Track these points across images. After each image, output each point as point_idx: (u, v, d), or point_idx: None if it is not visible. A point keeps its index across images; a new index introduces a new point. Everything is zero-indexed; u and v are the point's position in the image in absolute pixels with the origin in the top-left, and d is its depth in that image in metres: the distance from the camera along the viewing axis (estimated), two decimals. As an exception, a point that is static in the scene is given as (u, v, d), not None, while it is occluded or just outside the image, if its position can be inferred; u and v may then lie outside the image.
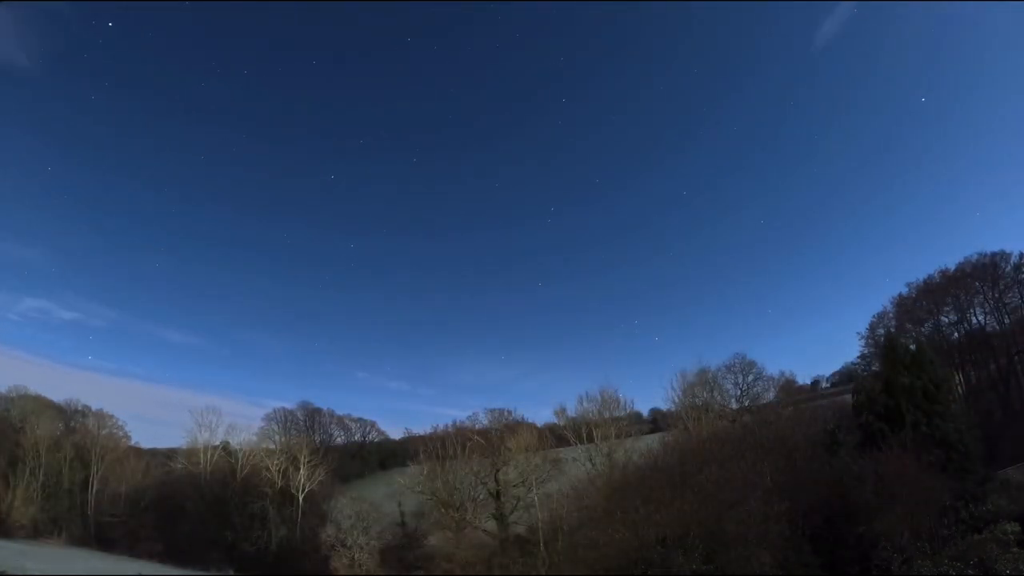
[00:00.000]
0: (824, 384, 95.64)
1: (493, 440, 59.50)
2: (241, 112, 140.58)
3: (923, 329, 59.83)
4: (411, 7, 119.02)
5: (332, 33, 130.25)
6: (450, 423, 66.60)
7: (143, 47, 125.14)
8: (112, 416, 73.31)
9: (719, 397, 57.33)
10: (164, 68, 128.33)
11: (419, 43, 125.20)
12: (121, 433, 72.30)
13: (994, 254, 56.45)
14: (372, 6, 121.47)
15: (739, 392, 58.49)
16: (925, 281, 60.31)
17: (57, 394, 76.09)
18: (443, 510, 54.47)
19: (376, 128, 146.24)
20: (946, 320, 59.82)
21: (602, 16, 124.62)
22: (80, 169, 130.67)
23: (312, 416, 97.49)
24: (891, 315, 62.81)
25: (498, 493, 56.41)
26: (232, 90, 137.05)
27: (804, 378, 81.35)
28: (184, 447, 65.93)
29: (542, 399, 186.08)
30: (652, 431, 76.82)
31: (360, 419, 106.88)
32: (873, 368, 58.25)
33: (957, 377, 57.43)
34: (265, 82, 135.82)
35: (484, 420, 68.84)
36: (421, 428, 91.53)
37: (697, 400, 55.57)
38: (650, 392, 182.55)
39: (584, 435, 57.43)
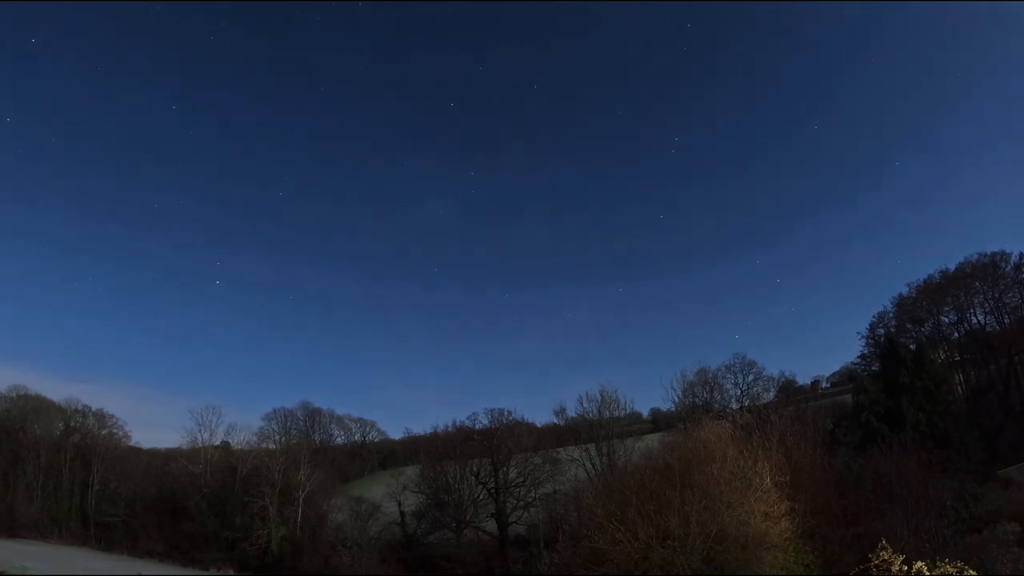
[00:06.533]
0: (824, 384, 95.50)
1: (493, 440, 59.49)
2: (243, 111, 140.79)
3: (923, 329, 59.83)
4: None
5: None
6: (450, 423, 66.70)
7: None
8: (112, 416, 73.28)
9: (719, 397, 57.39)
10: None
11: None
12: (121, 433, 72.22)
13: (994, 254, 56.55)
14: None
15: (739, 392, 58.56)
16: (925, 281, 60.40)
17: (57, 394, 76.04)
18: (443, 510, 54.47)
19: (378, 130, 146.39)
20: (946, 320, 59.84)
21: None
22: (78, 165, 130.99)
23: (312, 416, 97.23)
24: (891, 315, 62.83)
25: (498, 493, 56.41)
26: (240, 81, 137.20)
27: (804, 378, 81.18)
28: (184, 447, 65.85)
29: (542, 399, 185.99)
30: (652, 431, 76.76)
31: (360, 419, 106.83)
32: (873, 368, 58.20)
33: (957, 377, 57.41)
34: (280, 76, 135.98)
35: (484, 420, 68.85)
36: (421, 428, 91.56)
37: (697, 400, 55.57)
38: (650, 392, 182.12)
39: (584, 435, 57.38)
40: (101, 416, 72.09)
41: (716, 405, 55.74)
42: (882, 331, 60.95)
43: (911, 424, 37.98)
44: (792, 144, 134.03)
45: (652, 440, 58.39)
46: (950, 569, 18.43)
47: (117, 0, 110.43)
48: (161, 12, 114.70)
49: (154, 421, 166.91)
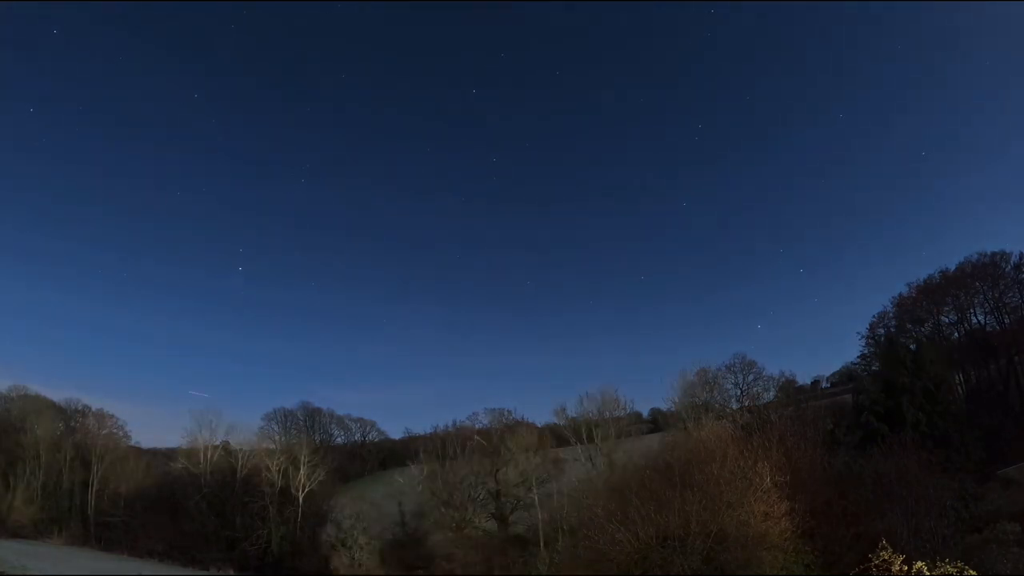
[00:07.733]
0: (824, 384, 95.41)
1: (493, 440, 59.48)
2: (235, 113, 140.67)
3: (923, 329, 59.81)
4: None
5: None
6: (450, 423, 66.72)
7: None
8: (112, 416, 73.37)
9: (719, 397, 57.29)
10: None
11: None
12: (121, 433, 72.32)
13: (994, 254, 56.53)
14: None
15: (739, 392, 58.36)
16: (925, 281, 60.37)
17: (57, 394, 76.08)
18: (443, 510, 54.49)
19: (387, 133, 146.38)
20: (946, 320, 59.82)
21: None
22: (72, 172, 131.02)
23: (312, 416, 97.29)
24: (891, 315, 62.80)
25: (498, 493, 56.42)
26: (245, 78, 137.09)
27: (804, 378, 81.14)
28: (184, 447, 65.79)
29: (542, 399, 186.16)
30: (652, 431, 76.77)
31: (360, 419, 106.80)
32: (873, 368, 58.18)
33: (957, 377, 57.39)
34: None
35: (484, 420, 68.84)
36: (421, 428, 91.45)
37: (697, 400, 55.50)
38: (650, 392, 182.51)
39: (584, 435, 57.38)
40: (101, 416, 72.35)
41: (716, 405, 55.71)
42: (882, 331, 60.96)
43: (911, 424, 37.99)
44: (793, 144, 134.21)
45: (652, 440, 58.40)
46: (950, 569, 18.46)
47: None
48: (182, 3, 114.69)
49: (154, 421, 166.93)
